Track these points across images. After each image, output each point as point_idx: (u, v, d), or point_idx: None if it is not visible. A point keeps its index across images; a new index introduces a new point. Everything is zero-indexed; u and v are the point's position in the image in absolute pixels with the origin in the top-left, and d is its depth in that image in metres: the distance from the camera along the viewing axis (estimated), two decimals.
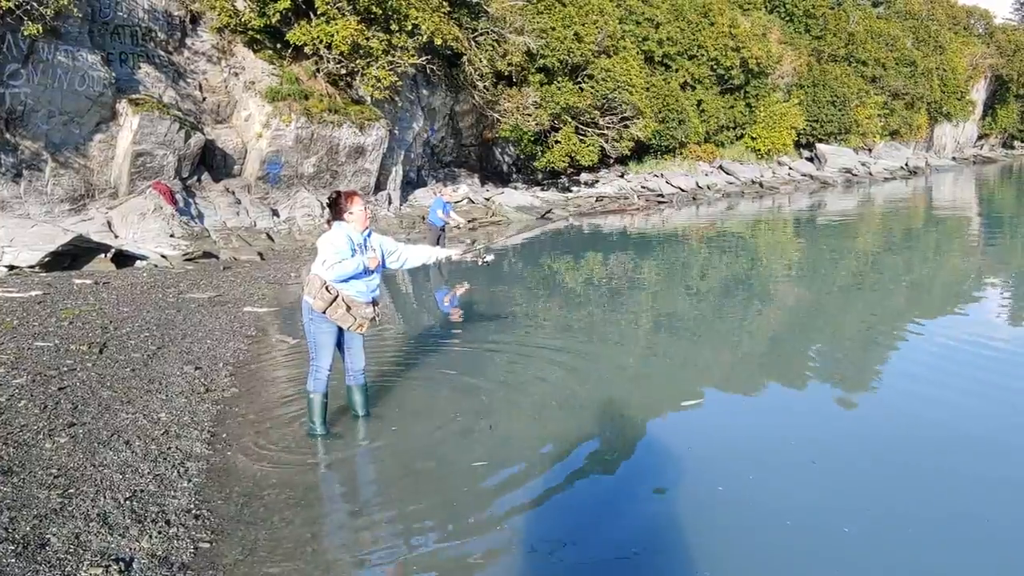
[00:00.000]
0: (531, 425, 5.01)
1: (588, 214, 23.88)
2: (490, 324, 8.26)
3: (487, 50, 21.53)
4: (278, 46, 17.59)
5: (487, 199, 23.03)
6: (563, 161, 24.83)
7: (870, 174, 37.67)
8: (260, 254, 12.99)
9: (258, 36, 17.10)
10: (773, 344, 7.18)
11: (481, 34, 21.51)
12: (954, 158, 50.46)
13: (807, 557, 3.33)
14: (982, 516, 3.65)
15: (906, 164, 41.28)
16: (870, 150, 41.78)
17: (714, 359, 6.62)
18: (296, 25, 17.03)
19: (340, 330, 4.77)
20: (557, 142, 24.48)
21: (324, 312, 4.64)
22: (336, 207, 4.82)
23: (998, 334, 7.00)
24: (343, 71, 17.98)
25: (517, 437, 4.81)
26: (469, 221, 19.80)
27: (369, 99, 18.64)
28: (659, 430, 4.91)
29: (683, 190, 29.01)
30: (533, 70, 23.57)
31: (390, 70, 17.64)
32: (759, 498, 3.88)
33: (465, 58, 21.36)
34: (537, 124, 23.19)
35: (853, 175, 36.85)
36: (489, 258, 5.46)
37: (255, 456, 4.53)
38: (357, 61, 17.54)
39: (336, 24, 16.68)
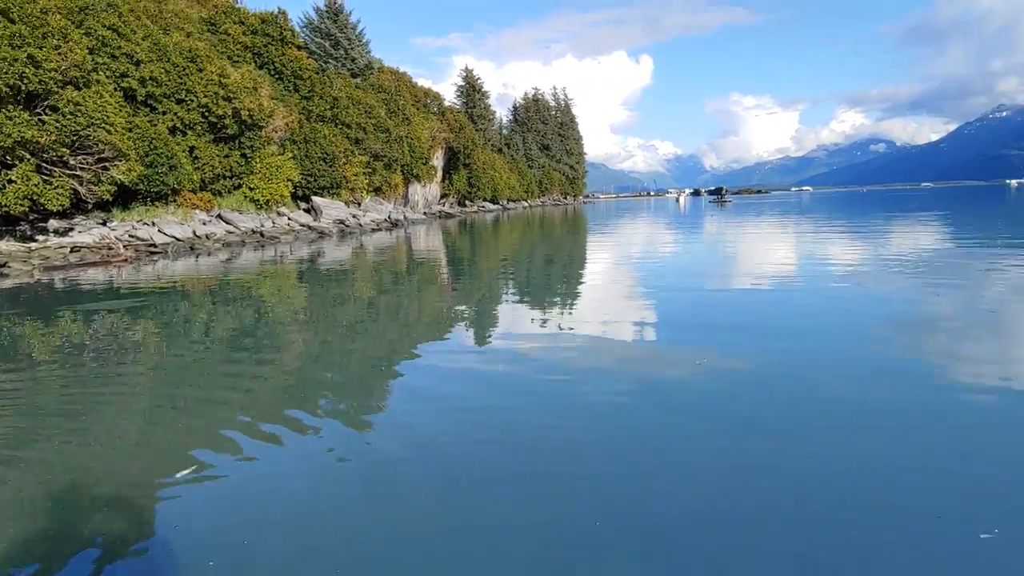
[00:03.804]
0: None
1: (62, 268, 20.23)
2: None
3: None
4: None
5: None
6: (22, 205, 20.62)
7: (360, 225, 41.71)
8: None
9: None
10: (282, 394, 7.16)
11: None
12: (425, 213, 59.77)
13: None
14: (513, 522, 4.21)
15: (389, 217, 47.12)
16: (359, 204, 46.37)
17: (216, 419, 6.22)
18: None
19: None
20: (11, 181, 20.21)
21: None
22: None
23: (471, 359, 8.45)
24: None
25: None
26: None
27: None
28: (149, 509, 4.35)
29: (179, 239, 27.23)
30: None
31: None
32: (269, 564, 3.76)
33: None
34: None
35: (346, 226, 40.23)
36: None
37: None
38: None
39: None
